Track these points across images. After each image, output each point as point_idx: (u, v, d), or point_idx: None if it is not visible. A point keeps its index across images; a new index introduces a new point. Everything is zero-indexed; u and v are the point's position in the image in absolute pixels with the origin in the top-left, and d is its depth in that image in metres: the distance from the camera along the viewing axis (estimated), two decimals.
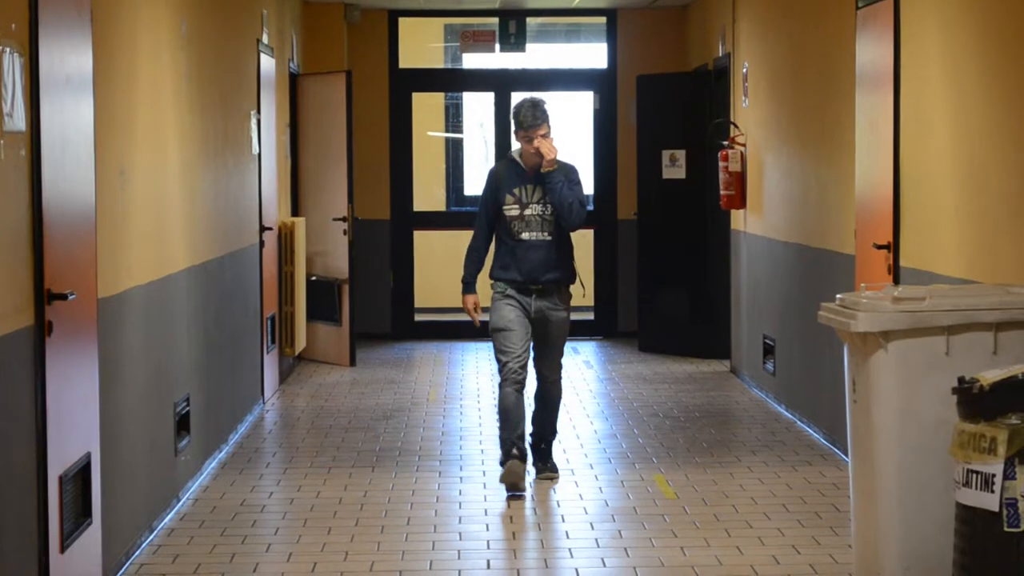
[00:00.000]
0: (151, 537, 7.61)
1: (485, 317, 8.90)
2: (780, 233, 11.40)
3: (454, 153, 18.71)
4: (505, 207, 8.79)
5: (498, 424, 8.85)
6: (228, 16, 10.42)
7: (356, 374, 13.35)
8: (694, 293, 14.41)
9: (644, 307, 14.80)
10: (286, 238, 13.03)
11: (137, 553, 7.32)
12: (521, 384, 8.66)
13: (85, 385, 6.46)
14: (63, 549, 6.08)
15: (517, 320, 8.71)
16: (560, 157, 8.78)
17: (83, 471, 6.40)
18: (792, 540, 7.47)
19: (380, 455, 9.68)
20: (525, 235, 8.75)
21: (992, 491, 5.05)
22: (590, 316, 15.97)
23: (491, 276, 8.88)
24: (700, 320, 14.31)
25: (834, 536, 7.52)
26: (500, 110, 15.97)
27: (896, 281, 8.38)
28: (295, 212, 14.11)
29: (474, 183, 18.18)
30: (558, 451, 9.45)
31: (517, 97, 8.53)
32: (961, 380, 5.27)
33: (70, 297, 5.99)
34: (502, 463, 8.63)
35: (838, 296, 6.31)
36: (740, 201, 12.70)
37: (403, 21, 16.06)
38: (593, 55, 16.79)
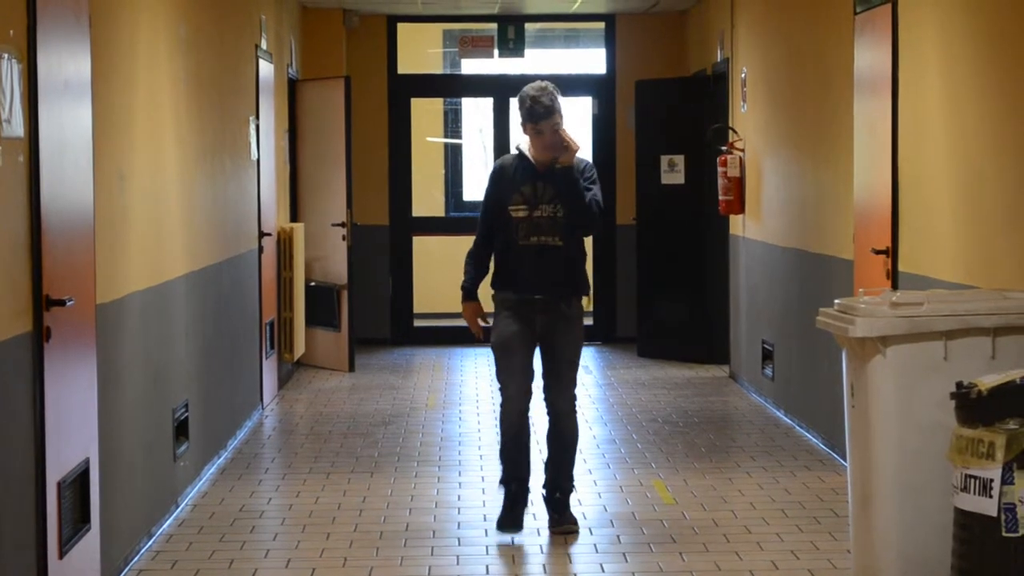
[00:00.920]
0: (150, 543, 7.60)
1: (489, 324, 7.94)
2: (779, 238, 11.41)
3: (453, 158, 18.73)
4: (512, 208, 7.68)
5: (500, 454, 7.94)
6: (227, 21, 10.43)
7: (355, 379, 13.35)
8: (693, 298, 14.41)
9: (643, 312, 14.80)
10: (285, 243, 13.03)
11: (136, 559, 7.32)
12: (524, 411, 7.76)
13: (84, 391, 6.46)
14: (62, 555, 6.08)
15: (520, 338, 7.70)
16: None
17: (82, 477, 6.40)
18: (791, 545, 7.47)
19: (379, 460, 9.68)
20: (533, 239, 7.66)
21: (990, 496, 5.05)
22: (589, 321, 15.96)
23: (492, 287, 7.86)
24: (699, 325, 14.31)
25: (833, 541, 7.52)
26: (499, 115, 15.99)
27: (894, 286, 8.39)
28: (294, 217, 14.11)
29: (473, 188, 18.19)
30: None
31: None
32: (959, 385, 5.27)
33: (68, 303, 5.99)
34: (501, 509, 7.83)
35: (836, 301, 6.32)
36: (739, 206, 12.71)
37: (402, 27, 16.07)
38: (592, 60, 16.80)
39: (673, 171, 14.45)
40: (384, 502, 8.49)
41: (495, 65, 16.34)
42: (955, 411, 5.28)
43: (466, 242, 8.57)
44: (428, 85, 16.86)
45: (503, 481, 7.85)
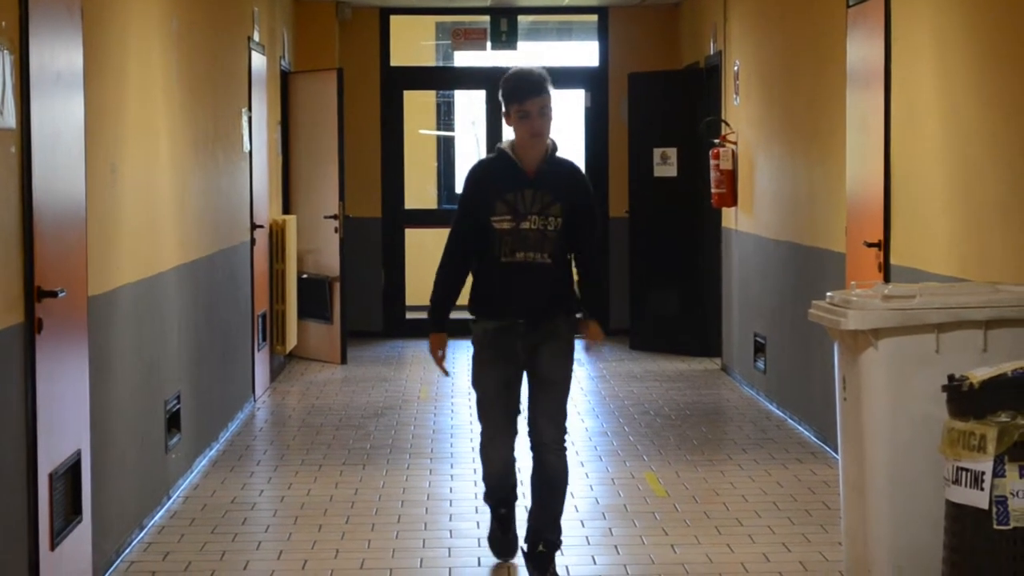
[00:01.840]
0: (141, 535, 7.60)
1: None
2: (771, 231, 11.41)
3: (446, 151, 18.72)
4: (494, 218, 6.56)
5: (484, 485, 7.17)
6: (219, 14, 10.41)
7: (347, 372, 13.35)
8: (685, 291, 14.41)
9: (635, 305, 14.81)
10: (277, 236, 13.02)
11: (128, 550, 7.31)
12: (509, 461, 6.97)
13: (75, 383, 6.46)
14: (53, 546, 6.07)
15: (503, 382, 6.79)
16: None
17: (73, 468, 6.39)
18: (782, 538, 7.47)
19: (371, 453, 9.68)
20: (519, 256, 6.61)
21: (982, 489, 5.06)
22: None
23: (470, 311, 6.96)
24: (691, 318, 14.32)
25: (824, 533, 7.53)
26: (492, 108, 15.98)
27: (886, 279, 8.39)
28: (286, 210, 14.10)
29: None
30: None
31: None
32: (951, 378, 5.28)
33: (60, 294, 5.99)
34: (489, 532, 7.19)
35: (828, 294, 6.32)
36: (731, 199, 12.71)
37: (394, 19, 16.06)
38: (585, 53, 16.80)
39: (666, 164, 14.46)
40: (376, 494, 8.49)
41: (488, 58, 16.34)
42: (947, 404, 5.28)
43: None
44: (421, 77, 16.85)
45: (490, 507, 7.17)
